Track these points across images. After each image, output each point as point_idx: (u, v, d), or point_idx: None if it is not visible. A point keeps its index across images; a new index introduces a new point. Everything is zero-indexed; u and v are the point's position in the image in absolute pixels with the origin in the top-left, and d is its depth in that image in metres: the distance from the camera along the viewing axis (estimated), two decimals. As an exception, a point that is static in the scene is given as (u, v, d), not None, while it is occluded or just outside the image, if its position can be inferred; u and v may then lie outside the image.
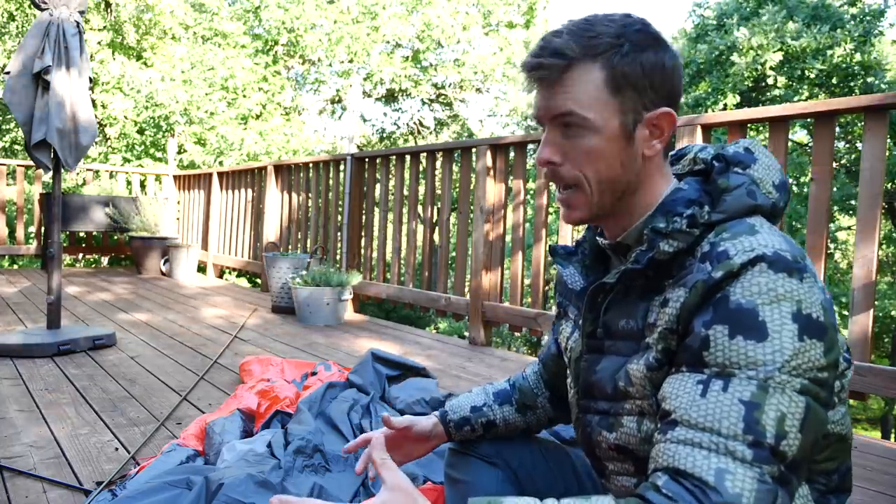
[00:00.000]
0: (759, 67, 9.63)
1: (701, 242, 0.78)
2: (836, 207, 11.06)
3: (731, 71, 9.85)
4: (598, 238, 0.94)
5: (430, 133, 15.69)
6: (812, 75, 9.72)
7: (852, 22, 9.72)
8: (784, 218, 0.84)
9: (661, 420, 0.73)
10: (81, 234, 7.23)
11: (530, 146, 3.60)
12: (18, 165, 6.70)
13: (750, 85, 10.04)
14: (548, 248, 1.04)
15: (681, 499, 0.64)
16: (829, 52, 9.45)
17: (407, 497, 0.76)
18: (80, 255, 7.52)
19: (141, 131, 10.14)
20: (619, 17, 0.81)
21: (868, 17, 10.04)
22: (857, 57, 9.49)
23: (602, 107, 0.79)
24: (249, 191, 6.14)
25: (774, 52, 9.50)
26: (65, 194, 6.77)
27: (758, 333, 0.68)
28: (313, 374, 2.46)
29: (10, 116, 12.14)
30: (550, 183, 3.41)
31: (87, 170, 7.48)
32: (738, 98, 10.03)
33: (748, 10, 10.61)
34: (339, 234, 4.97)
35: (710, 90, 10.16)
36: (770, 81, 9.88)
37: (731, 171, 0.81)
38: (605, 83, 0.79)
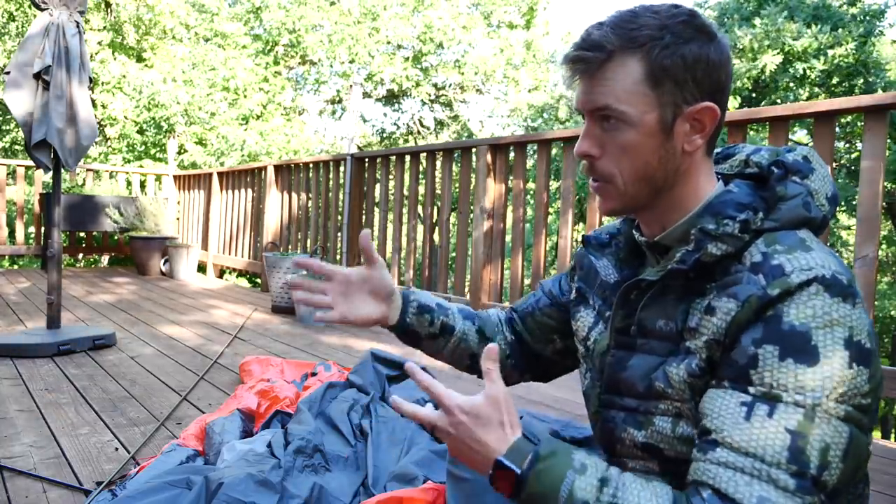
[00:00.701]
0: (761, 68, 9.63)
1: (749, 248, 0.76)
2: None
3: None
4: (634, 233, 0.92)
5: (431, 133, 15.69)
6: (813, 75, 9.71)
7: (853, 22, 9.71)
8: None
9: (700, 437, 0.73)
10: (81, 234, 7.23)
11: (530, 146, 3.60)
12: (18, 165, 6.70)
13: (750, 86, 10.03)
14: (581, 238, 1.02)
15: None
16: (831, 52, 9.44)
17: (495, 412, 0.75)
18: (80, 255, 7.52)
19: (141, 131, 10.14)
20: (666, 9, 0.79)
21: (868, 17, 10.04)
22: (860, 57, 9.49)
23: (639, 100, 0.78)
24: (249, 191, 6.14)
25: (775, 53, 9.49)
26: (65, 194, 6.77)
27: (809, 357, 0.67)
28: (313, 374, 2.46)
29: (10, 116, 12.14)
30: (551, 183, 3.41)
31: (87, 170, 7.48)
32: (738, 100, 10.03)
33: (748, 10, 10.61)
34: (339, 234, 4.97)
35: None
36: (770, 83, 9.87)
37: (790, 180, 0.80)
38: (643, 76, 0.78)
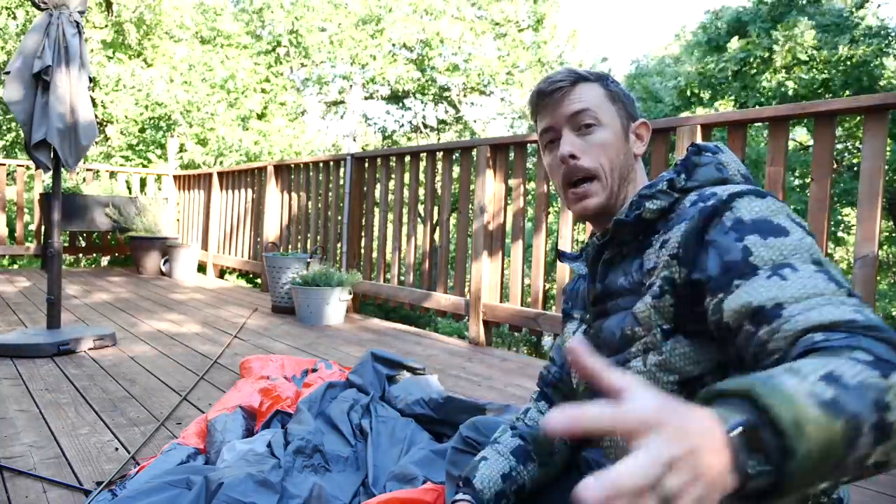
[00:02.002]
0: (785, 75, 9.68)
1: (682, 203, 0.90)
2: (837, 207, 11.06)
3: (758, 86, 9.89)
4: (595, 240, 1.04)
5: (433, 133, 15.68)
6: (830, 84, 9.75)
7: (869, 34, 9.77)
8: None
9: (755, 318, 0.72)
10: (81, 234, 7.23)
11: (530, 146, 3.60)
12: (18, 165, 6.70)
13: (771, 93, 10.05)
14: (557, 252, 1.23)
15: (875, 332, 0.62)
16: (849, 62, 9.50)
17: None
18: (80, 255, 7.52)
19: (142, 130, 10.13)
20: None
21: (884, 33, 10.06)
22: (870, 69, 9.54)
23: (607, 109, 1.00)
24: (249, 191, 6.14)
25: (795, 63, 9.56)
26: (65, 194, 6.77)
27: (783, 232, 0.78)
28: (313, 370, 2.46)
29: (10, 116, 12.11)
30: (549, 184, 3.41)
31: (87, 170, 7.47)
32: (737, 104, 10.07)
33: (768, 19, 10.62)
34: (339, 234, 4.96)
35: (736, 107, 10.13)
36: (790, 94, 9.88)
37: (703, 154, 0.97)
38: (604, 95, 1.01)
